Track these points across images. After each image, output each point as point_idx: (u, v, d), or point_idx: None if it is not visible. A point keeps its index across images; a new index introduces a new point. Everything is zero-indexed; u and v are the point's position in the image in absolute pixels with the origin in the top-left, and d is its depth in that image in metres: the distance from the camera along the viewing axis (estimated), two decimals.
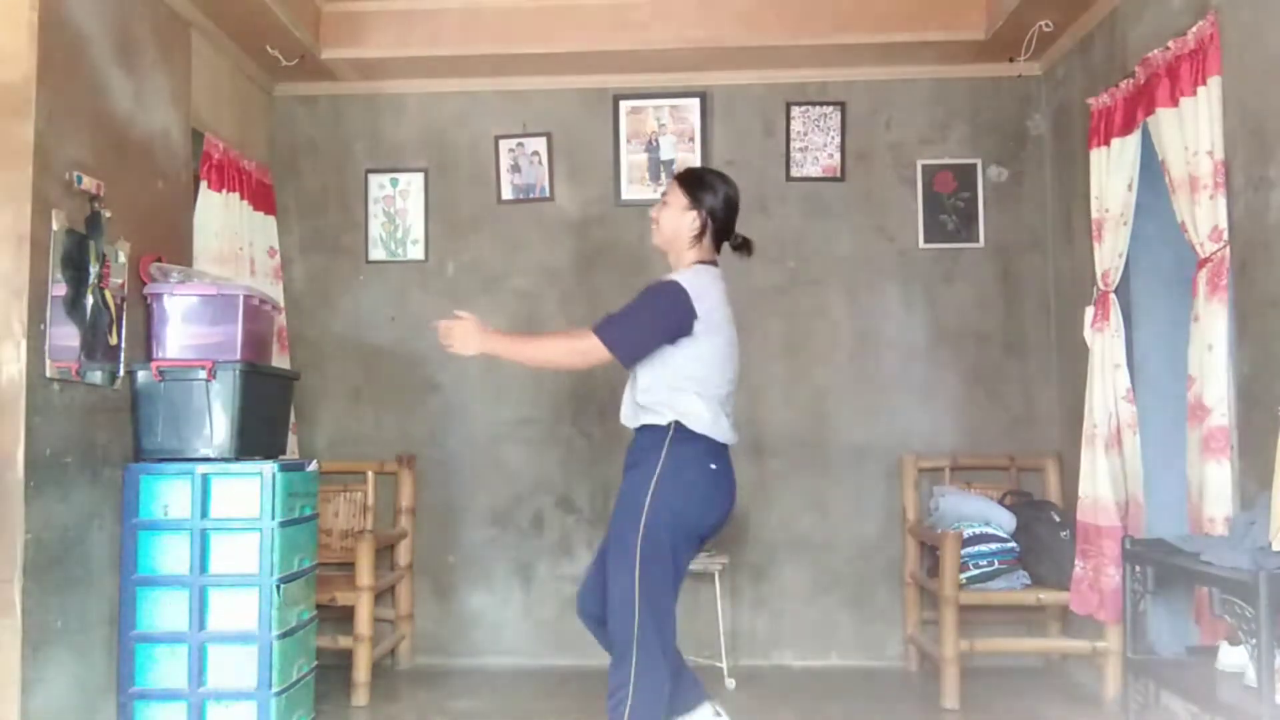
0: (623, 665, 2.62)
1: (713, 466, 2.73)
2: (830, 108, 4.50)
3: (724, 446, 2.77)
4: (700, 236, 2.81)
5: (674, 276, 2.75)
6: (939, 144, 4.49)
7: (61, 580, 2.86)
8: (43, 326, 2.78)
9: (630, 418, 2.80)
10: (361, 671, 3.80)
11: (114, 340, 3.12)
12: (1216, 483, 2.89)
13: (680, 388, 2.69)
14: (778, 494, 4.43)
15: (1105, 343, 3.53)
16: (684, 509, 2.66)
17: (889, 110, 4.51)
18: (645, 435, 2.73)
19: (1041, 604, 3.93)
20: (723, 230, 2.86)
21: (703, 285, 2.73)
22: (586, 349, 2.68)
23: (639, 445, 2.75)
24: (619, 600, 2.63)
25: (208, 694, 3.09)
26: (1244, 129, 2.89)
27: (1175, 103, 3.11)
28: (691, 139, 4.53)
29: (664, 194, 2.90)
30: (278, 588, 3.13)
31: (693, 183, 2.85)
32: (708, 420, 2.70)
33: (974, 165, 4.46)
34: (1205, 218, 2.98)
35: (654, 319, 2.69)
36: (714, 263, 2.85)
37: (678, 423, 2.68)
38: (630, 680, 2.60)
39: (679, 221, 2.82)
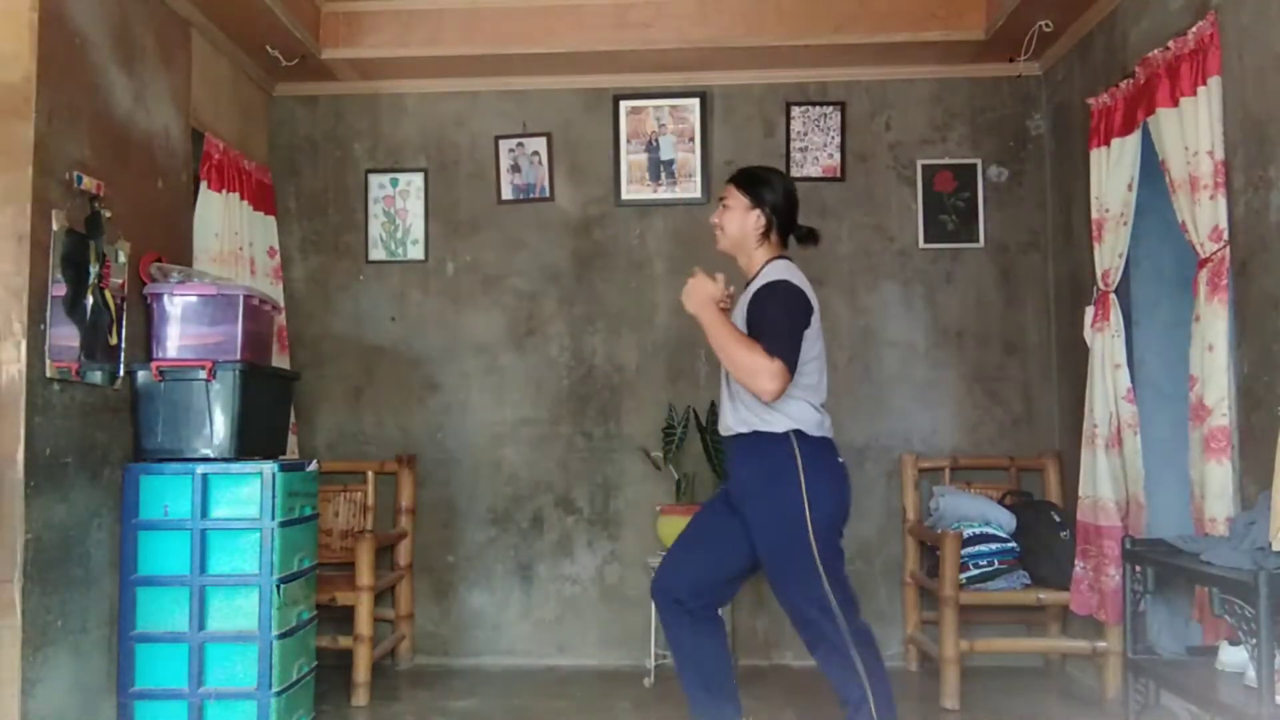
0: (850, 675, 2.67)
1: (840, 461, 2.80)
2: (830, 108, 4.50)
3: (834, 442, 2.83)
4: (767, 234, 2.84)
5: (784, 278, 2.75)
6: (939, 144, 4.50)
7: (61, 580, 2.86)
8: (43, 326, 2.78)
9: (739, 423, 2.78)
10: (361, 671, 3.80)
11: (114, 340, 3.12)
12: (1218, 483, 2.89)
13: (792, 394, 2.71)
14: None
15: (1105, 343, 3.53)
16: (835, 511, 2.74)
17: (889, 110, 4.51)
18: (763, 444, 2.74)
19: (1041, 604, 3.93)
20: (786, 223, 2.88)
21: (804, 281, 2.79)
22: (774, 371, 2.61)
23: (758, 454, 2.75)
24: (817, 614, 2.68)
25: (208, 694, 3.09)
26: (1244, 129, 2.89)
27: (1175, 103, 3.11)
28: (691, 139, 4.53)
29: (722, 199, 2.91)
30: (278, 588, 3.13)
31: (751, 182, 2.87)
32: (816, 422, 2.75)
33: (974, 165, 4.46)
34: (1205, 218, 2.98)
35: (795, 325, 2.71)
36: (788, 257, 2.88)
37: (796, 430, 2.72)
38: (865, 686, 2.65)
39: (744, 222, 2.85)
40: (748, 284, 2.86)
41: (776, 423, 2.72)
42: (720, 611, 2.94)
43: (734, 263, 2.94)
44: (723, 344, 2.73)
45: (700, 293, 2.78)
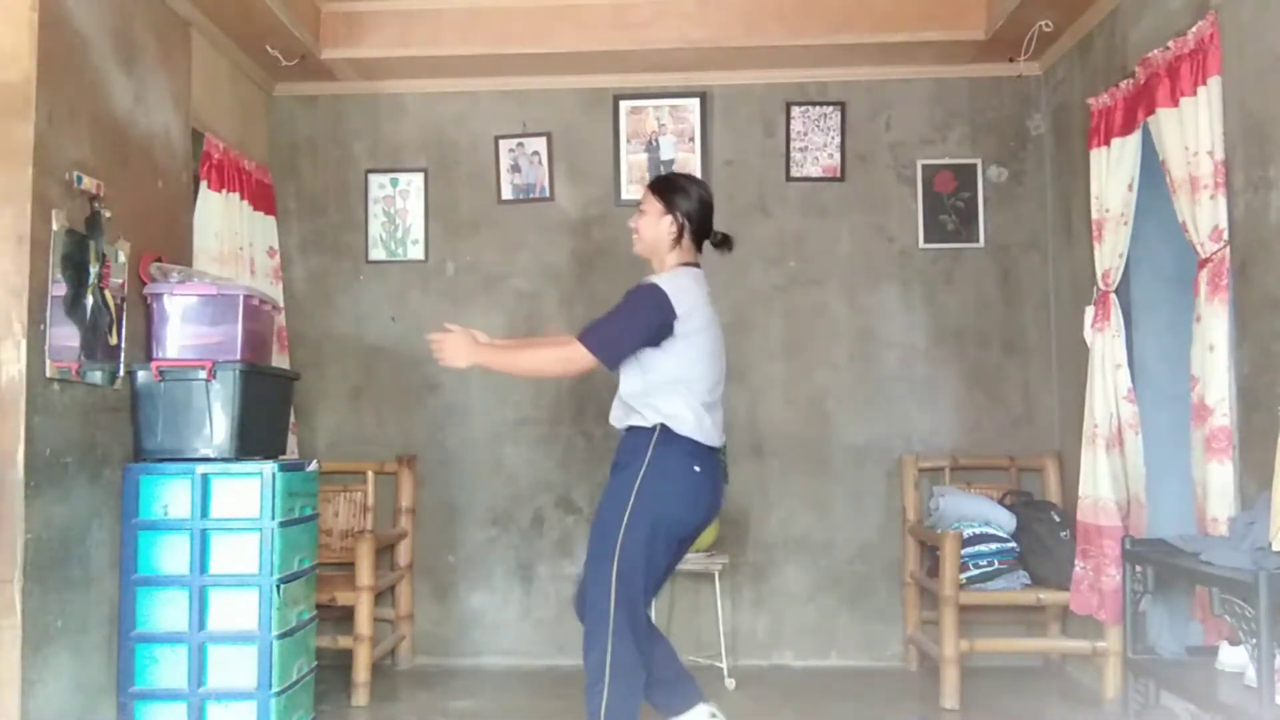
0: (599, 658, 2.68)
1: (696, 469, 2.77)
2: (830, 108, 4.50)
3: (710, 449, 2.81)
4: (679, 239, 2.88)
5: (652, 279, 2.82)
6: (939, 144, 4.49)
7: (61, 580, 2.86)
8: (43, 326, 2.78)
9: (618, 419, 2.88)
10: (361, 671, 3.80)
11: (114, 340, 3.12)
12: (1219, 483, 2.89)
13: (665, 390, 2.75)
14: (778, 494, 4.43)
15: (1106, 343, 3.53)
16: (666, 511, 2.72)
17: (889, 110, 4.51)
18: (631, 437, 2.81)
19: (1041, 604, 3.93)
20: (700, 230, 2.92)
21: (682, 286, 2.79)
22: (571, 356, 2.75)
23: (625, 447, 2.82)
24: (596, 595, 2.71)
25: (208, 694, 3.09)
26: (1244, 129, 2.89)
27: (1175, 103, 3.11)
28: (691, 139, 4.53)
29: (640, 204, 2.96)
30: (278, 588, 3.13)
31: (665, 189, 2.92)
32: (692, 423, 2.75)
33: (974, 165, 4.46)
34: (1206, 218, 2.98)
35: (633, 321, 2.75)
36: (696, 264, 2.91)
37: (663, 425, 2.74)
38: (606, 672, 2.66)
39: (656, 228, 2.89)
40: None
41: (648, 416, 2.77)
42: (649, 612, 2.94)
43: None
44: (516, 364, 2.93)
45: (456, 345, 2.85)
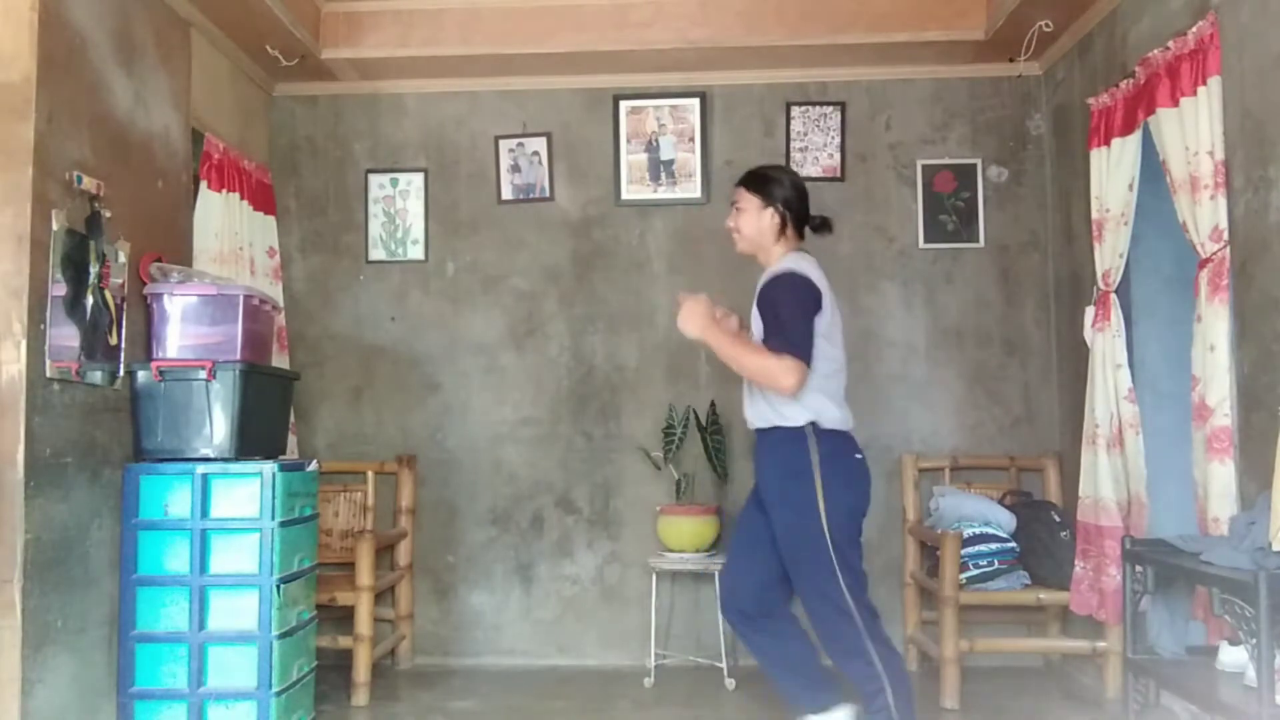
0: (864, 666, 2.71)
1: (858, 456, 2.85)
2: (830, 108, 4.50)
3: (851, 435, 2.87)
4: (783, 229, 2.89)
5: (788, 267, 2.79)
6: (939, 144, 4.49)
7: (61, 580, 2.86)
8: (43, 326, 2.78)
9: (763, 418, 2.84)
10: (361, 671, 3.80)
11: (114, 340, 3.12)
12: (1220, 483, 2.89)
13: (811, 386, 2.75)
14: None
15: (1106, 343, 3.53)
16: (853, 502, 2.79)
17: (889, 110, 4.51)
18: (782, 438, 2.80)
19: (1041, 604, 3.93)
20: (800, 217, 2.92)
21: (813, 269, 2.81)
22: (787, 371, 2.67)
23: (780, 448, 2.80)
24: (832, 610, 2.73)
25: (208, 694, 3.09)
26: (1244, 129, 2.89)
27: (1175, 103, 3.11)
28: (691, 139, 4.53)
29: (734, 202, 2.96)
30: (278, 588, 3.13)
31: (761, 182, 2.92)
32: (838, 416, 2.81)
33: (974, 165, 4.46)
34: (1206, 218, 2.98)
35: (805, 313, 2.74)
36: (804, 249, 2.92)
37: (814, 423, 2.76)
38: (881, 676, 2.69)
39: (759, 222, 2.90)
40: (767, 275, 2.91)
41: (794, 416, 2.77)
42: (792, 610, 2.98)
43: (754, 262, 3.00)
44: (733, 357, 2.79)
45: (695, 316, 2.81)
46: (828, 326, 2.79)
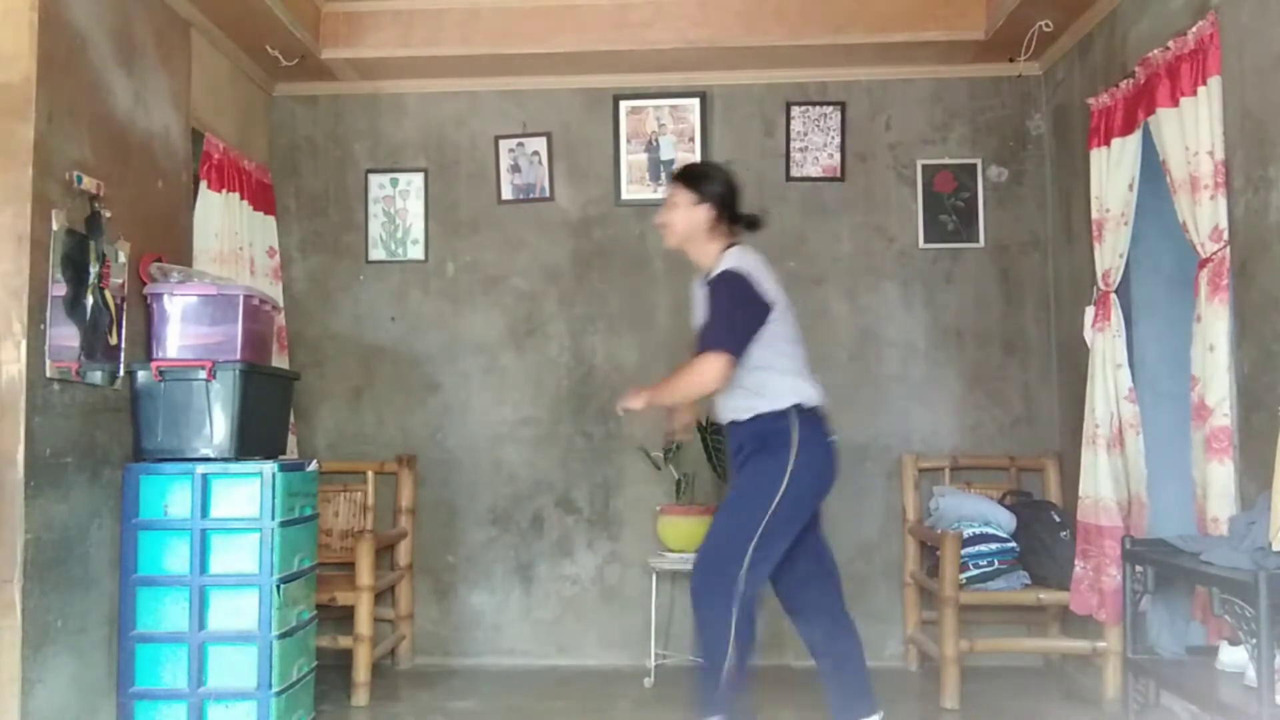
0: (722, 628, 2.72)
1: (831, 439, 2.87)
2: (830, 108, 4.50)
3: (825, 411, 2.89)
4: (716, 225, 2.92)
5: (725, 267, 2.82)
6: (939, 144, 4.49)
7: (61, 580, 2.86)
8: (43, 326, 2.78)
9: (740, 410, 2.85)
10: (361, 671, 3.80)
11: (114, 340, 3.12)
12: (1220, 483, 2.89)
13: (786, 369, 2.81)
14: None
15: (1106, 343, 3.53)
16: (815, 486, 2.82)
17: (889, 110, 4.51)
18: (763, 423, 2.81)
19: (1041, 604, 3.93)
20: (732, 213, 2.96)
21: (751, 264, 2.83)
22: (706, 367, 2.73)
23: (758, 431, 2.81)
24: (727, 552, 2.75)
25: (208, 694, 3.09)
26: (1244, 129, 2.89)
27: (1175, 103, 3.11)
28: (691, 139, 4.53)
29: (667, 197, 2.98)
30: (278, 588, 3.13)
31: (693, 178, 2.97)
32: (814, 393, 2.84)
33: (974, 165, 4.46)
34: (1206, 218, 2.98)
35: (741, 309, 2.77)
36: (739, 243, 2.94)
37: (798, 404, 2.79)
38: (730, 640, 2.72)
39: (691, 218, 2.93)
40: (706, 276, 2.93)
41: (780, 400, 2.79)
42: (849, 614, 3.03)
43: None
44: (668, 392, 2.87)
45: (631, 399, 2.88)
46: (781, 310, 2.83)
